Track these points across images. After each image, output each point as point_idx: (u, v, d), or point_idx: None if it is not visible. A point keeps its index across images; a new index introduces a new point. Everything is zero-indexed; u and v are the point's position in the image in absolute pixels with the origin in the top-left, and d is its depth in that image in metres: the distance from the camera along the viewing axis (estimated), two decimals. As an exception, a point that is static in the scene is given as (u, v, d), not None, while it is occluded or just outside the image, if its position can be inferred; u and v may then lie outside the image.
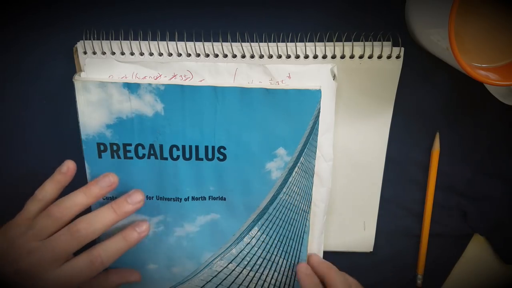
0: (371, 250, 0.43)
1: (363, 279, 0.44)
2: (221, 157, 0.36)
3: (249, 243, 0.39)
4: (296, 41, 0.36)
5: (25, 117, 0.40)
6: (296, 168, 0.36)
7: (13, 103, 0.39)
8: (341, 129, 0.39)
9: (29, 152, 0.41)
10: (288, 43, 0.36)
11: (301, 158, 0.36)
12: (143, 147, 0.35)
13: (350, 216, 0.42)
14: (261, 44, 0.36)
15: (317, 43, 0.36)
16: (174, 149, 0.35)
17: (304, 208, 0.38)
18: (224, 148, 0.36)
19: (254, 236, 0.39)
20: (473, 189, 0.42)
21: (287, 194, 0.37)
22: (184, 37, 0.36)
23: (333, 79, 0.35)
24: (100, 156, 0.35)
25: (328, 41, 0.36)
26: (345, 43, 0.36)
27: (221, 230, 0.39)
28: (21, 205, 0.42)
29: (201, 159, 0.36)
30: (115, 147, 0.35)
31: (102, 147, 0.35)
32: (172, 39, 0.37)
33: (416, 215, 0.43)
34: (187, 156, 0.36)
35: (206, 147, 0.36)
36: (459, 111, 0.39)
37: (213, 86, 0.34)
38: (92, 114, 0.34)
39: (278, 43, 0.36)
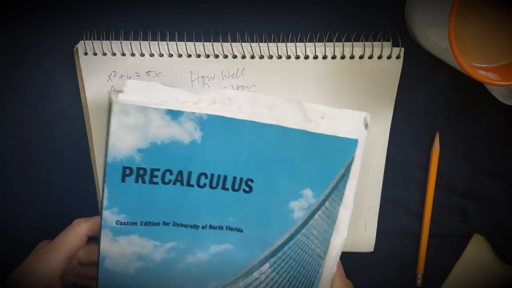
0: (372, 250, 0.43)
1: (363, 279, 0.44)
2: (247, 189, 0.35)
3: (257, 278, 0.37)
4: (296, 41, 0.37)
5: (25, 117, 0.40)
6: (320, 211, 0.36)
7: (13, 103, 0.39)
8: (341, 129, 0.39)
9: (29, 152, 0.41)
10: (288, 43, 0.36)
11: (326, 202, 0.35)
12: (171, 173, 0.34)
13: (351, 217, 0.42)
14: (261, 44, 0.36)
15: (317, 43, 0.36)
16: (203, 177, 0.34)
17: (320, 253, 0.37)
18: (252, 181, 0.35)
19: (264, 273, 0.37)
20: (473, 189, 0.42)
21: (305, 235, 0.36)
22: (184, 37, 0.36)
23: (365, 128, 0.35)
24: (123, 180, 0.33)
25: (328, 41, 0.36)
26: (345, 43, 0.36)
27: (232, 262, 0.37)
28: (21, 205, 0.42)
29: (227, 189, 0.35)
30: (141, 172, 0.33)
31: (127, 171, 0.33)
32: (172, 39, 0.37)
33: (416, 215, 0.43)
34: (214, 185, 0.35)
35: (234, 178, 0.35)
36: (459, 111, 0.40)
37: (256, 122, 0.33)
38: (125, 138, 0.32)
39: (278, 43, 0.36)
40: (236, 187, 0.35)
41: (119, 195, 0.33)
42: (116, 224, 0.34)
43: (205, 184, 0.34)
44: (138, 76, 0.38)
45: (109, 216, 0.34)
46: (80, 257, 0.36)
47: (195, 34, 0.36)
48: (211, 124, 0.33)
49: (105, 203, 0.34)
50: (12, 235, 0.42)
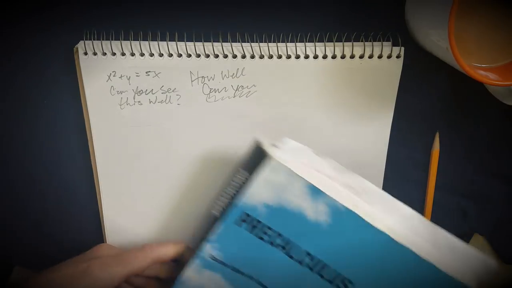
0: (372, 250, 0.43)
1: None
2: (343, 287, 0.34)
3: None
4: (296, 41, 0.36)
5: (25, 117, 0.40)
6: None
7: (13, 103, 0.39)
8: (341, 129, 0.39)
9: (29, 152, 0.41)
10: (288, 43, 0.36)
11: None
12: (281, 238, 0.34)
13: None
14: (261, 44, 0.36)
15: (317, 43, 0.36)
16: (307, 256, 0.34)
17: None
18: (351, 283, 0.34)
19: None
20: (473, 189, 0.42)
21: None
22: (184, 37, 0.36)
23: (485, 276, 0.34)
24: (238, 224, 0.34)
25: (328, 41, 0.36)
26: (345, 43, 0.36)
27: None
28: (21, 206, 0.42)
29: (323, 277, 0.34)
30: (257, 224, 0.34)
31: (246, 218, 0.34)
32: (172, 39, 0.37)
33: (416, 215, 0.43)
34: (313, 267, 0.34)
35: (335, 272, 0.34)
36: (459, 111, 0.39)
37: (390, 238, 0.32)
38: (261, 189, 0.33)
39: (278, 43, 0.36)
40: (333, 280, 0.34)
41: (228, 235, 0.34)
42: (210, 258, 0.35)
43: (305, 263, 0.34)
44: (138, 76, 0.38)
45: (209, 249, 0.35)
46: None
47: (195, 35, 0.36)
48: (344, 218, 0.32)
49: (212, 237, 0.34)
50: (12, 235, 0.42)
